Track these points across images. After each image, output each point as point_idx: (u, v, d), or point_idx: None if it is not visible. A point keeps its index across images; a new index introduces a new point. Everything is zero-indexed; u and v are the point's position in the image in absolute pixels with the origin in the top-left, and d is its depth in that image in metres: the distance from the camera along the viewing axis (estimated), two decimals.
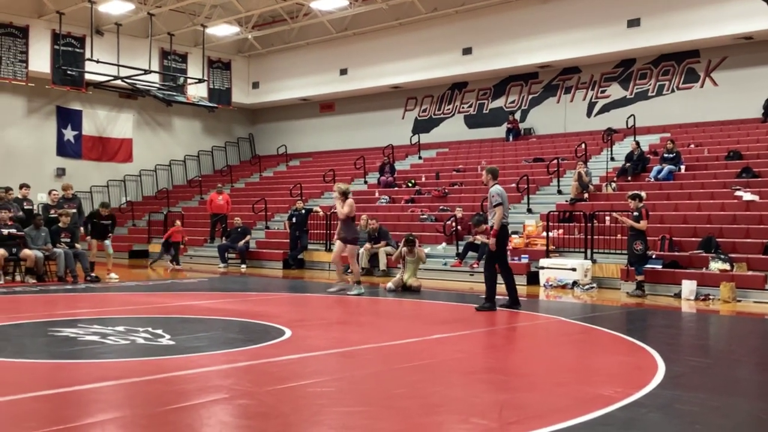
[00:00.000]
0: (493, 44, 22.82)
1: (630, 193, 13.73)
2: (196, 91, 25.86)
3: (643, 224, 12.86)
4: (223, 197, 21.24)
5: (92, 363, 6.21)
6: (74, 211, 15.21)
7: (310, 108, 29.14)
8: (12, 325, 8.36)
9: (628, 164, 18.02)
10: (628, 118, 20.38)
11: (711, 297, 12.13)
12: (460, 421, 4.55)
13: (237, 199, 23.71)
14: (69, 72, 22.75)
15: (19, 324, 8.44)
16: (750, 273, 12.54)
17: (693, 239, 13.95)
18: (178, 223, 19.75)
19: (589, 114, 22.40)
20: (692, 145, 18.86)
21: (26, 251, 13.81)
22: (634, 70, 21.58)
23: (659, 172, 17.20)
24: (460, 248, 16.18)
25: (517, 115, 23.74)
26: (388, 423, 4.49)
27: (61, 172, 25.06)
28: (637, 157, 17.94)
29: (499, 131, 23.97)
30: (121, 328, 7.82)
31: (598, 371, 6.31)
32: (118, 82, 22.16)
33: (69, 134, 25.79)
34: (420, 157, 24.45)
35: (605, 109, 22.06)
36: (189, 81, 24.83)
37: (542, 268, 14.54)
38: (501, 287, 10.36)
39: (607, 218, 15.04)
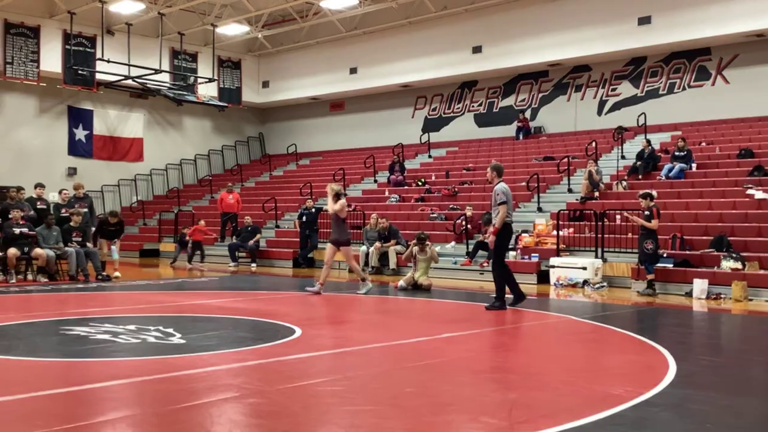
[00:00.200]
0: (503, 43, 22.77)
1: (641, 192, 13.68)
2: (207, 91, 25.94)
3: (654, 223, 12.81)
4: (234, 196, 21.28)
5: (103, 361, 6.24)
6: (85, 210, 15.29)
7: (319, 107, 29.16)
8: (24, 323, 8.42)
9: (638, 163, 17.95)
10: (639, 116, 20.31)
11: (722, 296, 12.07)
12: (470, 420, 4.54)
13: (247, 198, 23.77)
14: (80, 72, 22.85)
15: (31, 322, 8.50)
16: (762, 272, 12.48)
17: (704, 238, 13.88)
18: (203, 222, 19.71)
19: (599, 112, 22.32)
20: (703, 144, 18.77)
21: (38, 250, 13.89)
22: (645, 68, 21.48)
23: (670, 170, 17.12)
24: (470, 247, 16.16)
25: (527, 114, 23.68)
26: (397, 422, 4.48)
27: (72, 172, 25.18)
28: (648, 155, 17.87)
29: (509, 130, 23.92)
30: (132, 327, 7.86)
31: (609, 370, 6.29)
32: (129, 81, 22.26)
33: (80, 134, 25.91)
34: (430, 156, 24.43)
35: (616, 107, 21.97)
36: (199, 80, 24.91)
37: (553, 266, 14.51)
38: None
39: (618, 217, 14.99)
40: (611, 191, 17.27)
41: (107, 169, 26.46)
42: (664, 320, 9.93)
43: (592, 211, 15.44)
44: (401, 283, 13.12)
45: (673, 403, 4.97)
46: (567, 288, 13.77)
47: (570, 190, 18.14)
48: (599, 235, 14.64)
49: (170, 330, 7.69)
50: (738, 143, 18.08)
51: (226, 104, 26.85)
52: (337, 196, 12.19)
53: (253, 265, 18.68)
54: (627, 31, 20.50)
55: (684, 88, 20.77)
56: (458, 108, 25.43)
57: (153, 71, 21.90)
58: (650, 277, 12.80)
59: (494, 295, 10.23)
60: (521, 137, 23.33)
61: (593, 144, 19.43)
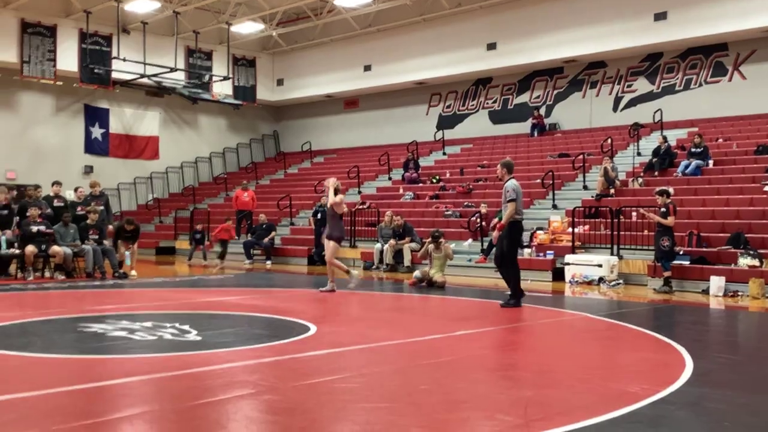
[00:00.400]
0: (517, 39, 22.69)
1: (657, 189, 13.60)
2: (221, 89, 26.05)
3: (670, 220, 12.74)
4: (249, 194, 21.35)
5: (120, 358, 6.29)
6: (102, 208, 15.40)
7: (334, 104, 29.19)
8: (42, 320, 8.49)
9: (654, 159, 17.84)
10: (655, 112, 20.18)
11: (740, 293, 11.98)
12: (485, 417, 4.54)
13: (262, 196, 23.83)
14: (96, 70, 23.01)
15: (48, 320, 8.56)
16: None
17: (721, 235, 13.78)
18: (230, 221, 19.70)
19: (615, 109, 22.19)
20: (720, 140, 18.62)
21: (55, 248, 14.00)
22: (661, 64, 21.33)
23: (687, 167, 17.01)
24: (485, 244, 16.12)
25: (542, 111, 23.59)
26: (412, 419, 4.49)
27: (88, 170, 25.35)
28: (664, 151, 17.75)
29: (524, 127, 23.84)
30: (148, 324, 7.91)
31: (625, 368, 6.26)
32: (145, 80, 22.40)
33: (96, 132, 26.09)
34: (444, 153, 24.39)
35: (632, 103, 21.84)
36: (214, 78, 25.01)
37: (568, 264, 14.45)
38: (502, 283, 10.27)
39: (634, 214, 14.90)
40: (627, 188, 17.18)
41: (123, 167, 26.62)
42: (680, 318, 9.88)
43: (607, 208, 15.36)
44: (417, 273, 13.38)
45: (690, 401, 4.94)
46: (582, 285, 13.71)
47: (585, 187, 18.05)
48: (615, 232, 14.57)
49: (186, 327, 7.73)
50: (755, 139, 17.92)
51: (241, 102, 26.94)
52: (336, 193, 12.16)
53: (269, 262, 18.75)
54: (643, 27, 20.37)
55: (700, 84, 20.61)
56: (473, 105, 25.37)
57: (168, 70, 22.01)
58: (667, 274, 12.73)
59: (509, 293, 10.20)
60: (536, 134, 23.24)
61: (609, 141, 19.33)
